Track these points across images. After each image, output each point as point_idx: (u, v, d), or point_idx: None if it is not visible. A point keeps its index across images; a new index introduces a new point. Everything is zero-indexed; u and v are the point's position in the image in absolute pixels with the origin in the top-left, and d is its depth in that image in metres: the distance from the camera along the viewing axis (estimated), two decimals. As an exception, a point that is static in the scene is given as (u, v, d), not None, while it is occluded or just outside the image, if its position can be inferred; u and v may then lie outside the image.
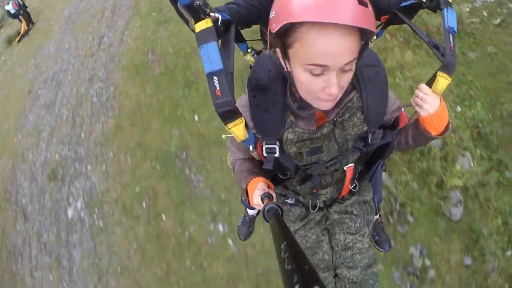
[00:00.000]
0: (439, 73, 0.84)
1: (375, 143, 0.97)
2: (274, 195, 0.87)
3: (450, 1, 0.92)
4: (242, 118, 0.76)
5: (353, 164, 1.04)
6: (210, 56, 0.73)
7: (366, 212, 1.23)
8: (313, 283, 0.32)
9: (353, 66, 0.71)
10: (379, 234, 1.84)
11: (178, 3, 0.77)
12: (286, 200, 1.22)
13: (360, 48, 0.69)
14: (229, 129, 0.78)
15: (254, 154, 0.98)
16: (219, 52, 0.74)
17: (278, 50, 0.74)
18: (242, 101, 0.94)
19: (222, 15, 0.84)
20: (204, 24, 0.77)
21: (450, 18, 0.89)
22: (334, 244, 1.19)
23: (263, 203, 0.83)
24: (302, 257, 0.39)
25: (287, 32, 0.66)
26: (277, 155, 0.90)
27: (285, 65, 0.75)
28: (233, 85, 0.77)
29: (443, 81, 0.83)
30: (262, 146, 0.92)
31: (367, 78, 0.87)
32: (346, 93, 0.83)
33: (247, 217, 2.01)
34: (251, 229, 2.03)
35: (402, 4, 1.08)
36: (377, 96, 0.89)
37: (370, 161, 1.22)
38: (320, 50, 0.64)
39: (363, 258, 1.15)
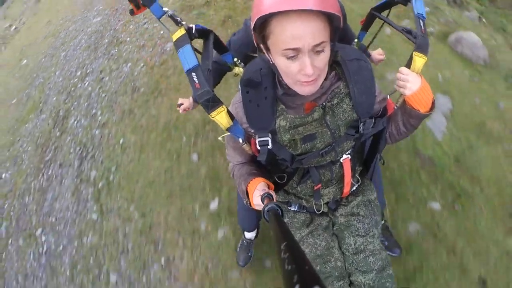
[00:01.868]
0: (415, 53, 0.94)
1: (367, 132, 1.00)
2: (274, 195, 0.87)
3: None
4: (224, 106, 0.84)
5: (349, 156, 1.05)
6: (186, 56, 0.85)
7: (372, 212, 1.21)
8: (313, 283, 0.32)
9: (326, 48, 0.77)
10: (387, 238, 1.81)
11: (155, 17, 0.93)
12: (289, 208, 1.21)
13: (330, 31, 0.76)
14: (213, 118, 0.85)
15: (246, 147, 0.98)
16: (193, 52, 0.85)
17: (261, 46, 0.83)
18: (236, 98, 1.01)
19: (196, 26, 0.99)
20: (178, 33, 0.90)
21: (418, 6, 1.02)
22: (344, 249, 1.15)
23: (263, 203, 0.83)
24: (302, 258, 0.39)
25: (263, 26, 0.75)
26: (270, 146, 0.93)
27: (269, 57, 0.83)
28: (211, 80, 0.87)
29: (419, 60, 0.93)
30: (255, 141, 0.95)
31: (352, 71, 0.91)
32: (332, 83, 0.92)
33: (245, 241, 1.95)
34: (249, 254, 1.95)
35: (377, 4, 1.22)
36: (363, 87, 0.92)
37: (367, 159, 1.25)
38: (290, 35, 0.72)
39: (376, 260, 1.11)
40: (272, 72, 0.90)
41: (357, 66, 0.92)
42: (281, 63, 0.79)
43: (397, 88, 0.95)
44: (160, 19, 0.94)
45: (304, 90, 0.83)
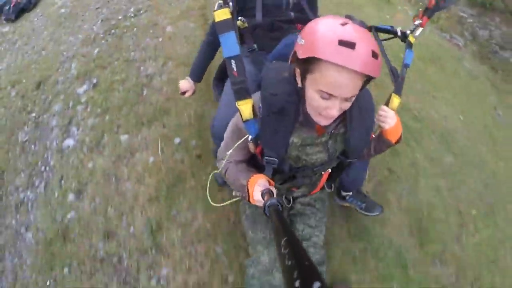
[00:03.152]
0: (393, 95, 1.16)
1: (353, 158, 1.14)
2: (274, 191, 0.91)
3: (412, 44, 1.24)
4: (251, 99, 0.92)
5: (329, 169, 1.23)
6: (229, 43, 0.88)
7: (324, 210, 1.43)
8: (313, 279, 0.32)
9: (354, 98, 0.86)
10: (365, 201, 1.83)
11: None
12: None
13: (362, 85, 0.85)
14: (239, 105, 0.92)
15: (251, 146, 1.04)
16: (237, 40, 0.88)
17: (298, 70, 0.89)
18: (255, 97, 1.01)
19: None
20: (223, 15, 0.89)
21: (408, 56, 1.22)
22: None
23: (263, 199, 0.86)
24: (302, 253, 0.39)
25: (311, 61, 0.80)
26: (275, 166, 1.02)
27: (300, 82, 0.90)
28: (244, 68, 0.91)
29: (396, 100, 1.16)
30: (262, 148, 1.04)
31: (356, 117, 1.01)
32: (342, 116, 1.00)
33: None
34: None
35: (379, 26, 1.31)
36: (363, 133, 1.06)
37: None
38: (333, 84, 0.79)
39: (315, 254, 1.29)
40: (298, 100, 0.95)
41: (365, 112, 1.04)
42: (312, 96, 0.86)
43: (378, 122, 1.10)
44: None
45: (321, 121, 0.93)
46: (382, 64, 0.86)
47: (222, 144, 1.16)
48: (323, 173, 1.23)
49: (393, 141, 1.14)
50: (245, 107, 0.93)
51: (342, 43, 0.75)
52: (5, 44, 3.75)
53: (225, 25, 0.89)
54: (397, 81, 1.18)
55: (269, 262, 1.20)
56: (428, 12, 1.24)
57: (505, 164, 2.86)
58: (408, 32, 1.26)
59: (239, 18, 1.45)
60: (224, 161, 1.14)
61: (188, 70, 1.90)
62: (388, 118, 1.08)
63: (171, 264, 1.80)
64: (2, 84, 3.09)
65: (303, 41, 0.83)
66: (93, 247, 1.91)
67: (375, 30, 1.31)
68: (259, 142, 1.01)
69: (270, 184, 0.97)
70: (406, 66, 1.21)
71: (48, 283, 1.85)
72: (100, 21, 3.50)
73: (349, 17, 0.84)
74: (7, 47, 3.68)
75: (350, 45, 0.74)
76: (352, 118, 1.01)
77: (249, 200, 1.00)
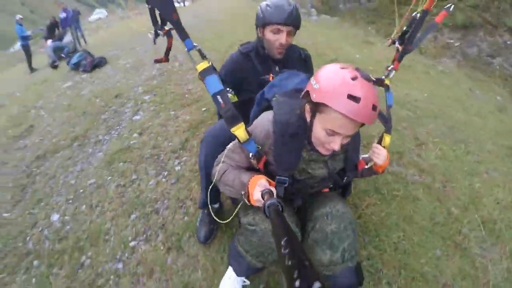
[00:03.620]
0: (385, 135, 1.30)
1: (347, 179, 1.24)
2: (274, 191, 0.93)
3: (389, 87, 1.33)
4: (242, 123, 1.02)
5: (328, 189, 1.35)
6: (212, 83, 1.01)
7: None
8: (313, 279, 0.32)
9: (353, 134, 0.99)
10: None
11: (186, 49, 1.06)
12: None
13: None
14: (233, 132, 1.02)
15: (253, 162, 1.11)
16: (219, 80, 1.03)
17: (308, 107, 1.01)
18: (263, 126, 1.12)
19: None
20: (203, 65, 1.05)
21: (389, 98, 1.34)
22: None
23: (263, 199, 0.87)
24: (302, 253, 0.39)
25: (322, 104, 0.91)
26: (286, 185, 1.12)
27: (309, 118, 1.01)
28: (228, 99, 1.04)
29: (387, 138, 1.30)
30: (265, 160, 1.13)
31: (352, 143, 1.18)
32: None
33: (206, 213, 1.80)
34: (212, 226, 1.78)
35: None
36: (354, 147, 1.22)
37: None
38: (339, 125, 0.92)
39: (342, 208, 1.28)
40: (306, 130, 1.05)
41: (356, 135, 1.17)
42: (319, 131, 0.98)
43: (373, 157, 1.23)
44: (189, 52, 1.07)
45: (324, 152, 1.05)
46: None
47: (225, 151, 1.21)
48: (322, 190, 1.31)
49: (380, 172, 1.28)
50: (239, 131, 1.00)
51: (350, 97, 0.87)
52: (84, 83, 5.44)
53: (206, 71, 1.03)
54: (388, 122, 1.30)
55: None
56: (398, 57, 1.36)
57: (476, 119, 3.36)
58: (383, 77, 1.34)
59: (228, 90, 1.56)
60: (222, 164, 1.17)
61: None
62: (381, 156, 1.20)
63: (188, 155, 2.56)
64: (88, 96, 4.50)
65: (318, 86, 0.92)
66: (144, 153, 2.69)
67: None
68: (267, 160, 1.12)
69: (270, 184, 0.99)
70: (389, 107, 1.33)
71: (105, 171, 2.58)
72: (155, 69, 5.16)
73: (357, 69, 0.93)
74: (87, 84, 5.32)
75: (357, 99, 0.86)
76: (349, 143, 1.09)
77: (248, 200, 1.02)
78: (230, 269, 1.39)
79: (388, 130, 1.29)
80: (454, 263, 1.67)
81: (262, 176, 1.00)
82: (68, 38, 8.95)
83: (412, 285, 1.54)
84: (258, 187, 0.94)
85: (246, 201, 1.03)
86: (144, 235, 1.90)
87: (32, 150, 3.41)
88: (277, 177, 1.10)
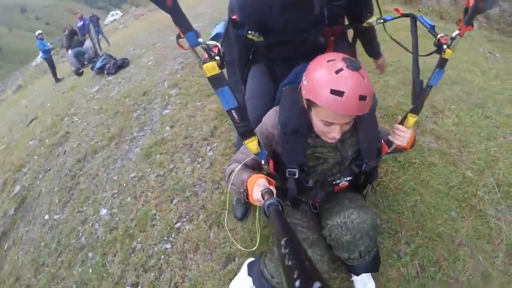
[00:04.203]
0: (410, 115, 1.13)
1: (366, 169, 1.22)
2: (274, 191, 0.92)
3: (445, 63, 1.08)
4: (256, 136, 0.98)
5: (346, 182, 1.26)
6: (226, 97, 0.88)
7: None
8: (313, 279, 0.32)
9: (351, 121, 1.02)
10: None
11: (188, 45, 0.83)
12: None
13: None
14: (247, 144, 0.99)
15: (265, 167, 1.11)
16: (231, 93, 0.87)
17: (305, 102, 1.04)
18: (271, 119, 1.18)
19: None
20: (212, 70, 0.84)
21: (437, 77, 1.08)
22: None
23: (263, 199, 0.86)
24: (302, 253, 0.39)
25: (309, 100, 0.98)
26: (296, 176, 1.15)
27: (309, 111, 1.05)
28: (246, 113, 0.94)
29: (412, 119, 1.13)
30: (275, 163, 1.15)
31: (362, 128, 1.15)
32: None
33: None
34: (247, 205, 1.95)
35: (421, 18, 1.15)
36: (369, 136, 1.17)
37: (361, 187, 1.44)
38: (332, 117, 0.96)
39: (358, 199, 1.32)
40: (308, 122, 1.09)
41: (367, 120, 1.13)
42: (318, 123, 1.03)
43: (394, 140, 1.16)
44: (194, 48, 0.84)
45: (328, 140, 1.08)
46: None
47: (237, 153, 1.26)
48: (340, 184, 1.26)
49: (409, 148, 1.20)
50: (252, 144, 0.99)
51: (333, 91, 0.89)
52: (111, 85, 5.78)
53: (217, 81, 0.86)
54: (417, 100, 1.11)
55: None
56: (467, 19, 1.01)
57: (495, 83, 3.33)
58: (445, 46, 1.05)
59: (254, 33, 1.31)
60: (234, 164, 1.17)
61: None
62: (405, 138, 1.13)
63: (218, 141, 2.82)
64: (117, 97, 4.82)
65: (306, 82, 0.98)
66: (177, 143, 2.97)
67: (413, 19, 1.15)
68: (276, 158, 1.15)
69: (270, 184, 0.98)
70: (430, 86, 1.10)
71: (144, 165, 2.88)
72: (177, 63, 5.37)
73: (344, 60, 0.93)
74: (114, 86, 5.66)
75: (340, 93, 0.88)
76: (357, 124, 1.12)
77: (247, 199, 1.03)
78: (243, 272, 1.56)
79: (415, 110, 1.12)
80: (469, 224, 1.79)
81: (261, 175, 1.01)
82: (88, 44, 9.38)
83: (429, 244, 1.70)
84: (258, 187, 0.94)
85: (244, 199, 1.05)
86: (187, 216, 2.17)
87: (72, 155, 3.76)
88: (288, 169, 1.15)
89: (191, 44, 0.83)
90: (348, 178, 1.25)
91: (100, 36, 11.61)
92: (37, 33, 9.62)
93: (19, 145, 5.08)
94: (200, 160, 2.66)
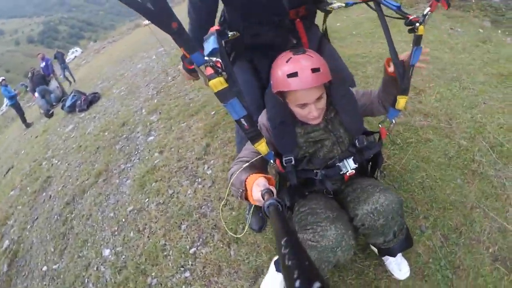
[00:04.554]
0: (399, 97, 1.16)
1: (367, 153, 1.27)
2: (274, 191, 0.91)
3: (421, 40, 1.06)
4: (264, 139, 1.09)
5: (353, 171, 1.28)
6: (235, 108, 0.95)
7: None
8: (313, 279, 0.32)
9: (323, 95, 1.13)
10: None
11: (194, 64, 0.86)
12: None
13: (325, 86, 1.13)
14: (257, 147, 1.09)
15: (274, 167, 1.21)
16: (240, 104, 0.94)
17: (280, 96, 1.19)
18: (263, 116, 1.31)
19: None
20: (219, 85, 0.87)
21: (416, 55, 1.08)
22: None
23: (263, 199, 0.86)
24: (302, 253, 0.39)
25: (281, 92, 1.13)
26: (293, 163, 1.23)
27: (286, 102, 1.18)
28: (253, 120, 1.03)
29: (402, 100, 1.17)
30: (280, 160, 1.24)
31: (338, 101, 1.25)
32: (327, 106, 1.21)
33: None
34: (261, 214, 1.92)
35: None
36: (349, 110, 1.26)
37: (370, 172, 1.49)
38: (300, 98, 1.10)
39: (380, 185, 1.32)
40: (292, 114, 1.22)
41: (345, 99, 1.25)
42: (295, 109, 1.16)
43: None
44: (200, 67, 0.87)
45: (312, 122, 1.19)
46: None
47: (242, 151, 1.30)
48: (347, 173, 1.27)
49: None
50: (261, 146, 1.09)
51: (289, 75, 1.05)
52: (86, 121, 5.58)
53: (226, 94, 0.90)
54: (403, 82, 1.13)
55: (336, 237, 1.11)
56: None
57: (463, 56, 3.49)
58: (418, 24, 1.06)
59: (229, 32, 1.31)
60: (235, 166, 1.19)
61: None
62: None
63: (214, 158, 2.76)
64: (95, 132, 4.65)
65: (271, 79, 1.15)
66: (171, 168, 2.87)
67: (377, 3, 1.17)
68: (277, 150, 1.24)
69: (269, 183, 0.98)
70: (412, 66, 1.10)
71: (140, 195, 2.75)
72: (151, 89, 5.29)
73: (291, 51, 1.12)
74: (89, 122, 5.47)
75: (294, 74, 1.04)
76: (335, 103, 1.24)
77: (246, 199, 1.04)
78: (271, 270, 1.56)
79: (404, 91, 1.15)
80: (475, 187, 1.87)
81: (260, 175, 1.01)
82: (54, 84, 9.05)
83: (445, 214, 1.75)
84: (258, 187, 0.94)
85: (244, 199, 1.06)
86: (200, 240, 2.08)
87: (58, 199, 3.55)
88: (284, 158, 1.22)
89: (198, 63, 0.87)
90: (354, 166, 1.26)
91: (67, 73, 11.36)
92: (-1, 80, 9.19)
93: (0, 197, 4.75)
94: (199, 180, 2.59)
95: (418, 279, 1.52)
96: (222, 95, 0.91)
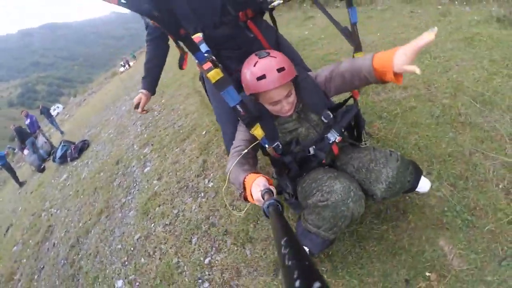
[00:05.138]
0: (355, 54, 1.24)
1: (342, 119, 1.32)
2: (274, 191, 0.93)
3: (352, 1, 1.17)
4: (258, 123, 1.21)
5: (340, 137, 1.32)
6: (231, 95, 1.09)
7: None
8: (313, 279, 0.32)
9: (292, 91, 1.23)
10: None
11: (196, 61, 1.04)
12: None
13: (292, 81, 1.20)
14: (252, 132, 1.21)
15: (270, 150, 1.30)
16: (235, 90, 1.10)
17: (253, 97, 1.26)
18: None
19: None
20: (216, 75, 1.05)
21: (353, 14, 1.19)
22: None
23: (263, 199, 0.87)
24: (302, 253, 0.39)
25: (253, 94, 1.21)
26: (280, 146, 1.31)
27: (261, 102, 1.26)
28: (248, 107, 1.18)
29: (359, 55, 1.23)
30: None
31: (302, 88, 1.31)
32: (296, 98, 1.29)
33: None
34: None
35: None
36: (312, 93, 1.31)
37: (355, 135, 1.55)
38: (271, 97, 1.19)
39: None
40: (266, 110, 1.28)
41: (305, 82, 1.31)
42: (270, 107, 1.25)
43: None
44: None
45: (286, 114, 1.27)
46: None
47: (235, 141, 1.35)
48: (336, 140, 1.32)
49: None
50: (257, 131, 1.19)
51: (258, 78, 1.13)
52: (79, 168, 5.56)
53: (222, 83, 1.06)
54: (353, 41, 1.23)
55: (343, 189, 1.15)
56: None
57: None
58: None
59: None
60: (231, 160, 1.24)
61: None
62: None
63: (213, 171, 2.79)
64: (90, 176, 4.63)
65: (243, 84, 1.23)
66: (172, 190, 2.85)
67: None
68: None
69: (269, 183, 0.99)
70: (354, 24, 1.22)
71: (145, 222, 2.71)
72: (139, 126, 5.34)
73: (256, 54, 1.19)
74: (82, 168, 5.45)
75: (262, 77, 1.12)
76: (303, 96, 1.30)
77: (245, 199, 1.06)
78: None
79: (357, 48, 1.23)
80: (468, 135, 1.92)
81: (259, 175, 1.03)
82: (41, 140, 9.03)
83: (447, 165, 1.78)
84: (258, 187, 0.96)
85: (243, 199, 1.09)
86: (213, 248, 2.04)
87: (62, 244, 3.50)
88: (273, 145, 1.29)
89: (200, 60, 1.04)
90: (337, 135, 1.31)
91: (54, 124, 11.53)
92: (-15, 143, 9.13)
93: (3, 255, 4.63)
94: (202, 194, 2.58)
95: (439, 228, 1.53)
96: (219, 84, 1.06)
